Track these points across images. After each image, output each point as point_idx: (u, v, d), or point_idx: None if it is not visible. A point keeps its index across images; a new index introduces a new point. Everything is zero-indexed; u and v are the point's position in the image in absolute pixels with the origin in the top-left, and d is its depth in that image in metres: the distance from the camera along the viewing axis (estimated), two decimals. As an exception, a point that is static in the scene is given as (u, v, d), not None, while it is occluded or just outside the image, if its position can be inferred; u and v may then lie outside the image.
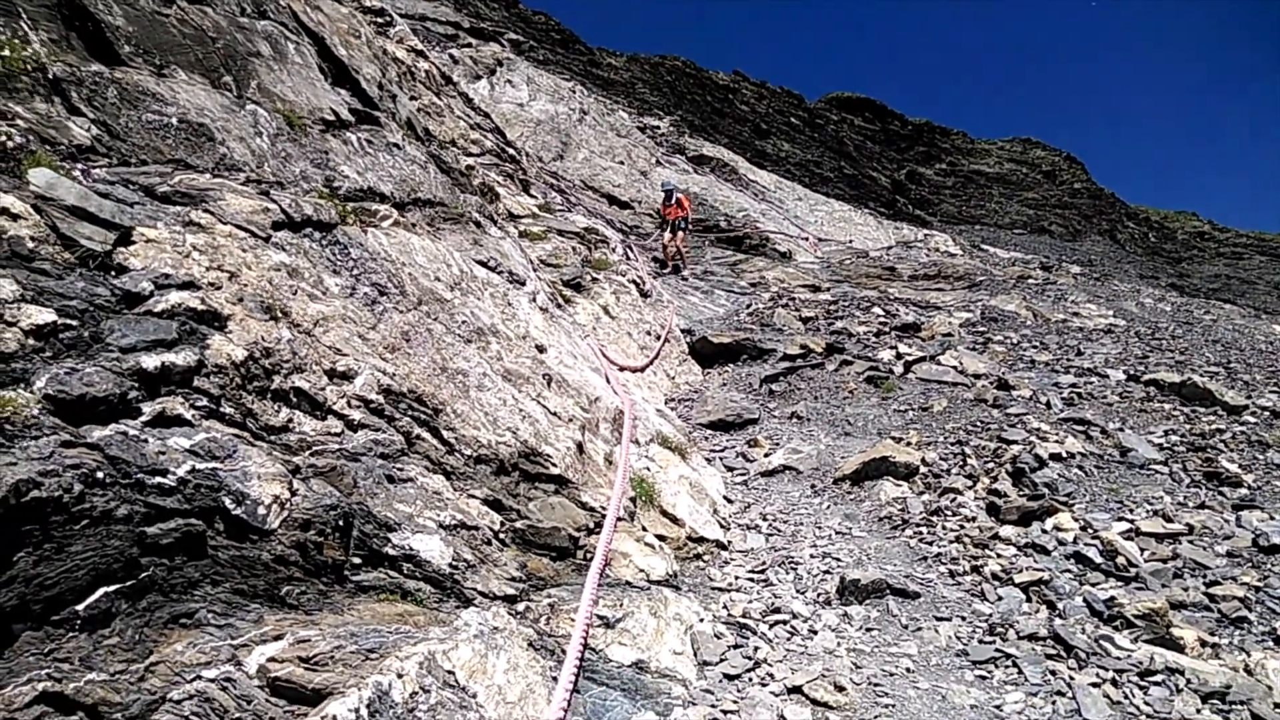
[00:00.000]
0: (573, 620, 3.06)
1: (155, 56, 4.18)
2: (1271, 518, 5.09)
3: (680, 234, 15.30)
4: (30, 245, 2.61)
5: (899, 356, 9.32)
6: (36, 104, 3.31)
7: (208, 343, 2.87)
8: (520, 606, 3.18)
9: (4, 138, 2.94)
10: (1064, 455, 6.12)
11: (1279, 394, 8.20)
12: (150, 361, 2.59)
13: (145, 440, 2.39)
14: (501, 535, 3.52)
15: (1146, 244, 47.76)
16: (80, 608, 2.06)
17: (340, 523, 2.78)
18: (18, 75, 3.27)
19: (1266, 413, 7.46)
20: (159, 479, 2.33)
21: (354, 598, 2.69)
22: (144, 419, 2.47)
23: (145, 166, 3.56)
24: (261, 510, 2.55)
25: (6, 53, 3.24)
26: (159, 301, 2.85)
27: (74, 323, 2.50)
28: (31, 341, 2.34)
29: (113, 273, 2.84)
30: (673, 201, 15.31)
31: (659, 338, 9.25)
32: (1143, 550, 4.72)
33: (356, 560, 2.79)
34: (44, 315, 2.40)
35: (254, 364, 3.01)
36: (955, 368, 8.77)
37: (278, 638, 2.33)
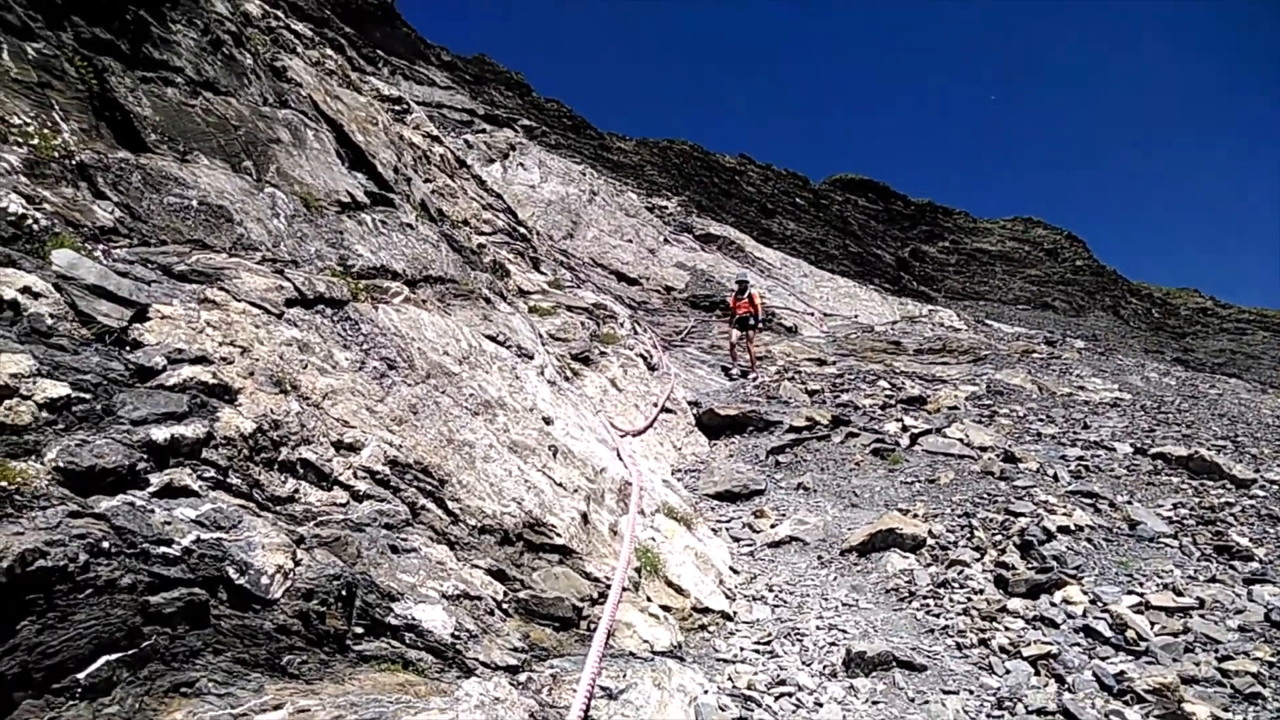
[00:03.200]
0: (575, 691, 3.03)
1: (179, 143, 4.40)
2: (1285, 591, 5.02)
3: (751, 332, 13.80)
4: (49, 322, 2.72)
5: (905, 429, 9.32)
6: (63, 189, 3.49)
7: (217, 415, 2.95)
8: (522, 677, 3.15)
9: (31, 221, 3.10)
10: (1072, 528, 6.06)
11: (1288, 467, 8.14)
12: (160, 434, 2.66)
13: (152, 510, 2.45)
14: (504, 605, 3.52)
15: (1150, 320, 47.92)
16: (81, 676, 2.07)
17: (343, 592, 2.80)
18: (47, 162, 3.46)
19: (1275, 486, 7.40)
20: (164, 549, 2.37)
21: (355, 667, 2.69)
22: (151, 490, 2.53)
23: (164, 247, 3.72)
24: (265, 580, 2.58)
25: (36, 141, 3.44)
26: (171, 375, 2.94)
27: (87, 396, 2.58)
28: (45, 414, 2.42)
29: (127, 348, 2.94)
30: (745, 295, 13.95)
31: (666, 409, 9.31)
32: (1153, 624, 4.65)
33: (359, 630, 2.80)
34: (58, 389, 2.49)
35: (262, 436, 3.08)
36: (961, 440, 8.76)
37: (278, 707, 2.33)
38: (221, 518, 2.61)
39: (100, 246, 3.29)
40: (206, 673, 2.34)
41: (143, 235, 3.65)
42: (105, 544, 2.21)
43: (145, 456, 2.55)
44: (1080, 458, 8.26)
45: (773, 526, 6.75)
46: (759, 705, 3.77)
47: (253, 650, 2.49)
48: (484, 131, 28.32)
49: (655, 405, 9.19)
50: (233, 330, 3.39)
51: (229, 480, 2.81)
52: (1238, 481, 7.40)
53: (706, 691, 3.74)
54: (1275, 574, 5.34)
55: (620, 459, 6.24)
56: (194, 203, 4.08)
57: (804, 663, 4.35)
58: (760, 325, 14.28)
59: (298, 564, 2.73)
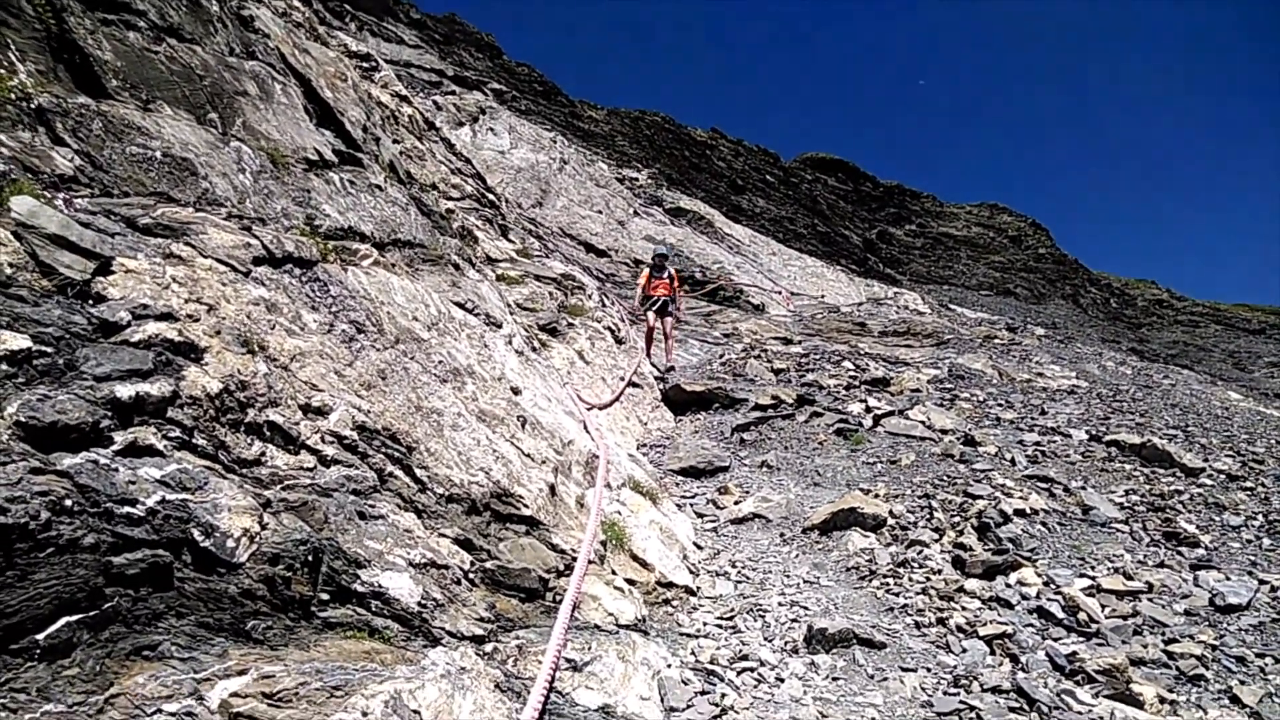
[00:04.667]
0: (540, 662, 3.03)
1: (142, 91, 4.23)
2: (1227, 578, 5.20)
3: (670, 319, 11.80)
4: (8, 271, 2.61)
5: (868, 410, 9.44)
6: (20, 133, 3.33)
7: (183, 374, 2.87)
8: (488, 647, 3.15)
9: (-14, 165, 2.96)
10: (1028, 511, 6.21)
11: (1234, 458, 8.41)
12: (124, 391, 2.58)
13: (116, 469, 2.37)
14: (471, 575, 3.50)
15: (1108, 309, 49.07)
16: (40, 637, 2.01)
17: (309, 558, 2.76)
18: (2, 104, 3.29)
19: (1223, 476, 7.65)
20: (128, 509, 2.31)
21: (320, 634, 2.66)
22: (115, 448, 2.45)
23: (128, 198, 3.58)
24: (230, 543, 2.53)
25: (-10, 81, 3.27)
26: (136, 331, 2.84)
27: (49, 349, 2.49)
28: (4, 367, 2.33)
29: (91, 301, 2.84)
30: (664, 274, 11.86)
31: (633, 384, 9.31)
32: (1104, 606, 4.79)
33: (324, 596, 2.76)
34: (19, 341, 2.40)
35: (229, 396, 3.01)
36: (923, 423, 8.90)
37: (241, 673, 2.30)
38: (187, 479, 2.54)
39: (61, 195, 3.16)
40: (169, 636, 2.29)
41: (104, 185, 3.51)
42: (68, 502, 2.14)
43: (109, 414, 2.47)
44: (1037, 443, 8.45)
45: (736, 503, 6.81)
46: (721, 679, 3.82)
47: (217, 614, 2.44)
48: (453, 93, 27.79)
49: (622, 379, 9.18)
50: (199, 287, 3.29)
51: (195, 441, 2.73)
52: (1187, 470, 7.63)
53: (670, 665, 3.78)
54: (1220, 560, 5.54)
55: (587, 431, 6.23)
56: (158, 154, 3.94)
57: (766, 638, 4.41)
58: (680, 311, 12.21)
59: (264, 528, 2.68)
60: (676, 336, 12.03)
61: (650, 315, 11.81)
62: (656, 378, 10.91)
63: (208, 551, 2.45)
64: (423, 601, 3.08)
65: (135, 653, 2.19)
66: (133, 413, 2.57)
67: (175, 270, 3.26)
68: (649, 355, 11.67)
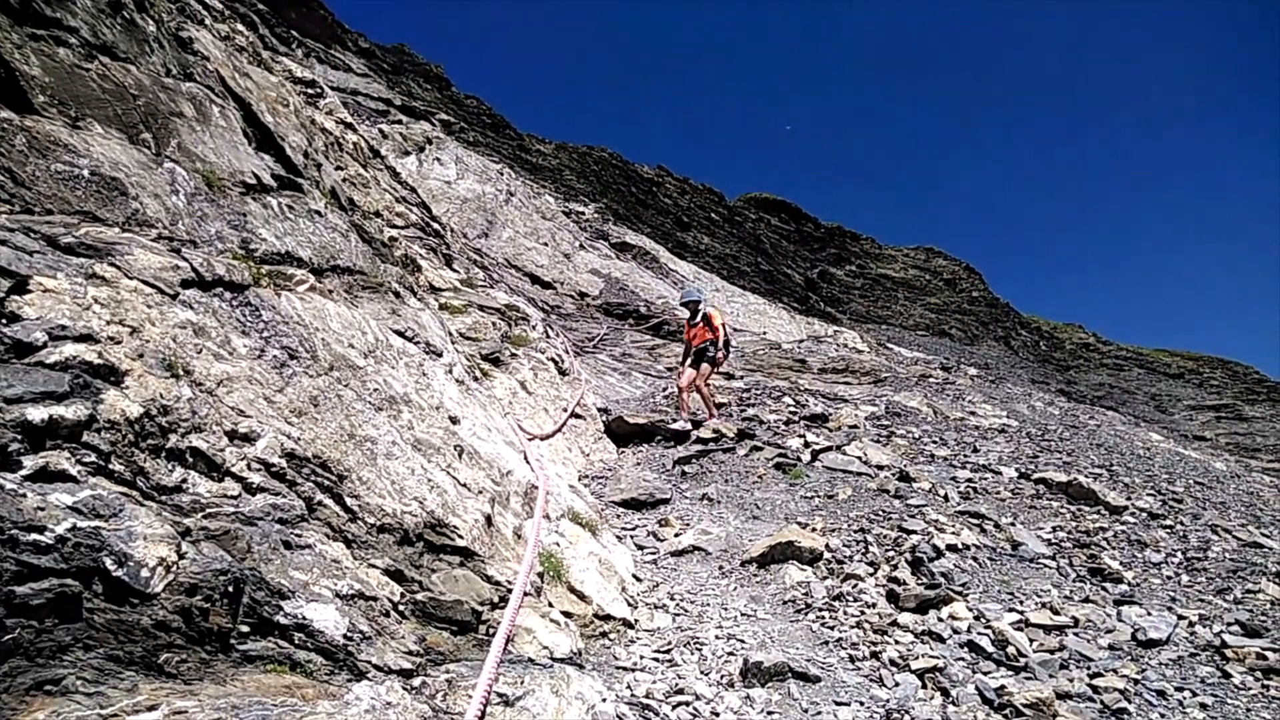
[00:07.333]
0: (470, 697, 2.96)
1: (71, 108, 4.12)
2: (1149, 613, 5.37)
3: (707, 367, 10.34)
4: (-86, 287, 2.50)
5: (807, 445, 9.56)
6: (-63, 146, 3.22)
7: (101, 397, 2.77)
8: (416, 681, 3.07)
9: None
10: (960, 546, 6.34)
11: (1155, 497, 8.76)
12: (36, 414, 2.47)
13: (24, 495, 2.27)
14: (401, 607, 3.42)
15: (1038, 351, 50.93)
16: (-70, 673, 1.90)
17: (230, 588, 2.66)
18: (-83, 117, 3.18)
19: (1144, 514, 7.95)
20: (35, 536, 2.20)
21: (239, 668, 2.56)
22: (24, 473, 2.34)
23: (50, 216, 3.47)
24: (145, 573, 2.42)
25: (-93, 93, 3.16)
26: (52, 353, 2.74)
27: (-45, 369, 2.39)
28: (-94, 386, 2.22)
29: (4, 321, 2.73)
30: (698, 319, 10.55)
31: (576, 415, 9.27)
32: (1031, 641, 4.90)
33: (244, 628, 2.66)
34: (-78, 360, 2.29)
35: (150, 421, 2.90)
36: (860, 458, 9.05)
37: (151, 708, 2.19)
38: (101, 505, 2.44)
39: (-24, 210, 3.05)
40: (75, 670, 2.18)
41: (26, 202, 3.39)
42: (-33, 529, 2.04)
43: (19, 437, 2.36)
44: (969, 479, 8.66)
45: (676, 536, 6.80)
46: (656, 714, 3.78)
47: (128, 647, 2.33)
48: (400, 123, 27.69)
49: (565, 410, 9.14)
50: (122, 309, 3.19)
51: (111, 466, 2.63)
52: (1111, 508, 7.90)
53: (605, 699, 3.72)
54: (1142, 596, 5.73)
55: (527, 462, 6.17)
56: (85, 172, 3.83)
57: (702, 672, 4.39)
58: (724, 356, 10.58)
59: (182, 557, 2.58)
60: (708, 389, 10.67)
61: (684, 370, 10.64)
62: (690, 421, 10.07)
63: (120, 581, 2.35)
64: (349, 634, 2.99)
65: (36, 687, 2.08)
66: (45, 436, 2.47)
67: (98, 291, 3.15)
68: (682, 411, 10.47)
